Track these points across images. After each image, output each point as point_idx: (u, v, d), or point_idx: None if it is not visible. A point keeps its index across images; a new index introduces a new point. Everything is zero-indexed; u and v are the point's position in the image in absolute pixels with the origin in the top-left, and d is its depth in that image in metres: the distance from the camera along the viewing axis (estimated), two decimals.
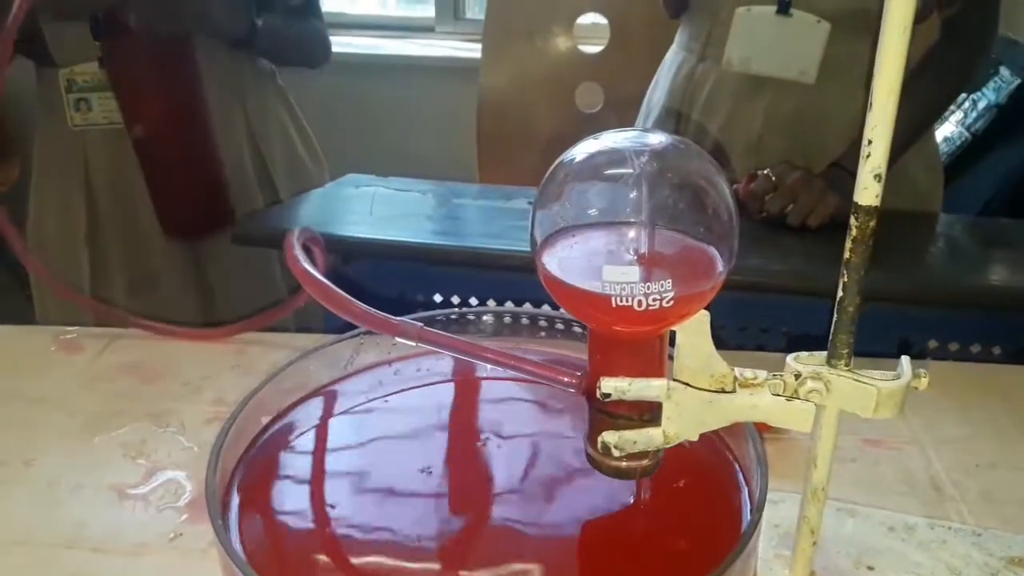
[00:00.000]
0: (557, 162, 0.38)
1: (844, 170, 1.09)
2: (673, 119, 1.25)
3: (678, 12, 1.28)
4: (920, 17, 1.13)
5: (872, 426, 0.68)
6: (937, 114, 1.20)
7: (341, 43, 2.30)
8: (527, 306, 0.54)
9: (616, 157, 0.36)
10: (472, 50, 1.89)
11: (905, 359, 0.43)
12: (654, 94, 1.31)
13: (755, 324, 0.96)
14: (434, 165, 1.63)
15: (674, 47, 1.30)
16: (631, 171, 0.36)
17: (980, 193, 1.30)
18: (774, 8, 1.09)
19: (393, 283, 0.96)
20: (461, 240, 0.98)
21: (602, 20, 1.67)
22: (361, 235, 0.96)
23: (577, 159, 0.37)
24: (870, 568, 0.51)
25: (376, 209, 1.08)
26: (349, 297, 0.41)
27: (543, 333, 0.56)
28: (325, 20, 2.38)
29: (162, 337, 0.80)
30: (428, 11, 2.36)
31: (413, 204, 1.12)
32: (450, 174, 1.27)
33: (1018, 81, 1.51)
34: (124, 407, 0.70)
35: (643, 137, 0.37)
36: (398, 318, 0.42)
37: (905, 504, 0.59)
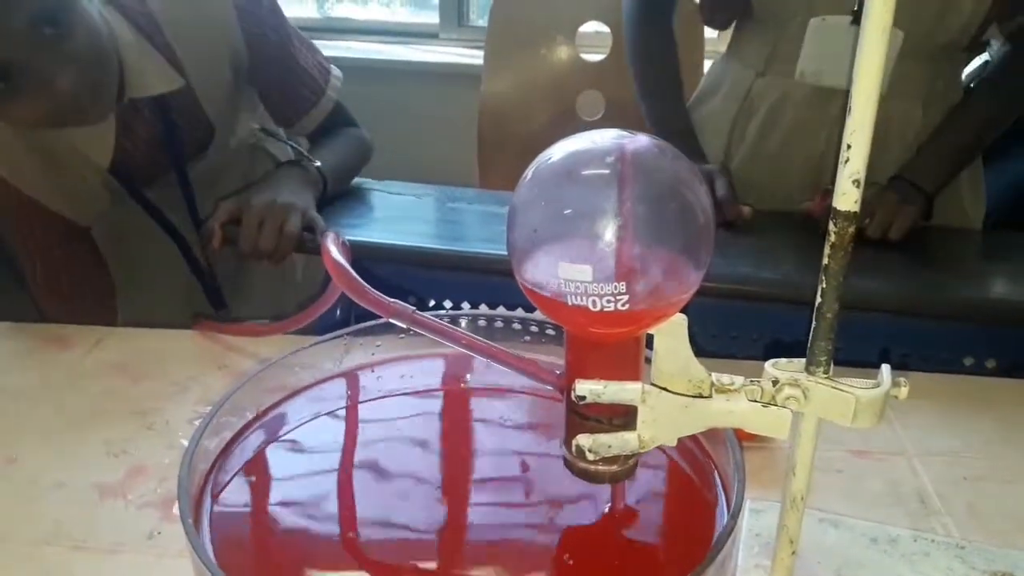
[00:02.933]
0: (533, 163, 0.37)
1: (907, 182, 1.09)
2: (725, 136, 1.23)
3: (726, 23, 1.27)
4: (975, 40, 1.12)
5: (859, 437, 0.67)
6: (1000, 128, 1.18)
7: (345, 48, 2.31)
8: (500, 309, 0.53)
9: (590, 158, 0.36)
10: (476, 57, 1.89)
11: (886, 367, 0.42)
12: (701, 109, 1.28)
13: (769, 334, 0.95)
14: (435, 171, 1.63)
15: (726, 59, 1.27)
16: (604, 172, 0.35)
17: (986, 205, 1.30)
18: (848, 19, 1.08)
19: (386, 287, 0.95)
20: (456, 244, 0.98)
21: (605, 29, 1.67)
22: (354, 238, 0.95)
23: (552, 159, 0.37)
24: None
25: (370, 212, 1.08)
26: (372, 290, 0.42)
27: (528, 337, 0.56)
28: (330, 27, 2.39)
29: (152, 336, 0.80)
30: (432, 18, 2.36)
31: (408, 208, 1.11)
32: (451, 180, 1.27)
33: None
34: (110, 405, 0.70)
35: (620, 138, 0.36)
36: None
37: (890, 516, 0.59)
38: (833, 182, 0.37)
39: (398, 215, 1.08)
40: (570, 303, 0.36)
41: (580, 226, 0.35)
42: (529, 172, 0.37)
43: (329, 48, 2.26)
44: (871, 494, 0.62)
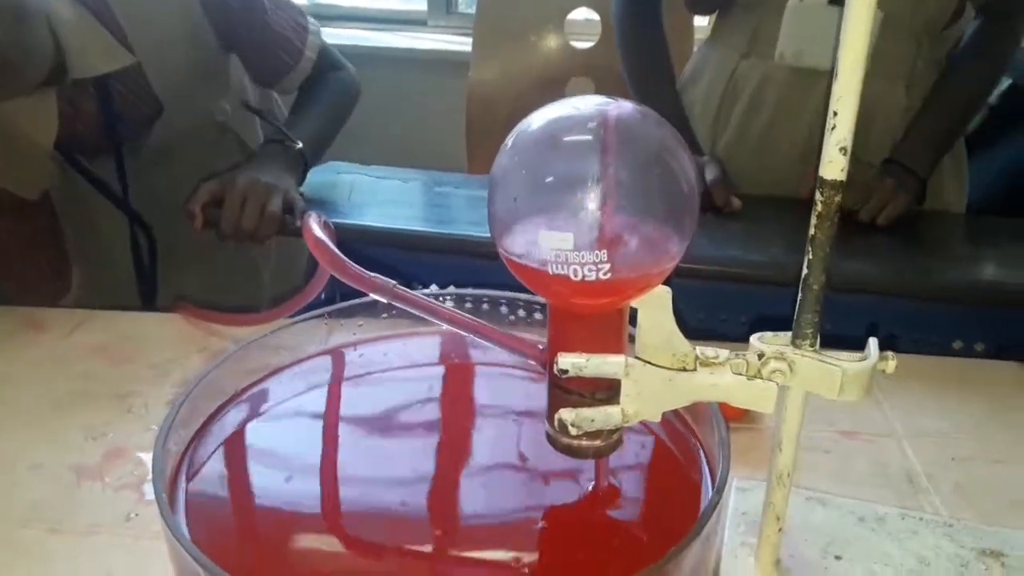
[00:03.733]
0: (514, 130, 0.37)
1: (901, 166, 1.09)
2: (711, 118, 1.22)
3: (710, 9, 1.26)
4: (953, 16, 1.12)
5: (848, 418, 0.67)
6: (982, 101, 1.20)
7: (333, 35, 2.29)
8: (468, 289, 0.53)
9: (572, 124, 0.35)
10: (464, 44, 1.88)
11: (873, 341, 0.42)
12: (686, 95, 1.27)
13: (756, 317, 0.95)
14: (424, 158, 1.61)
15: (710, 43, 1.27)
16: (586, 138, 0.35)
17: (970, 194, 1.29)
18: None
19: (371, 270, 0.95)
20: (443, 227, 0.97)
21: (594, 16, 1.66)
22: (340, 220, 0.94)
23: (533, 126, 0.36)
24: (837, 557, 0.50)
25: (355, 196, 1.07)
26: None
27: (512, 318, 0.55)
28: (318, 12, 2.37)
29: (132, 319, 0.79)
30: (421, 4, 2.35)
31: (395, 192, 1.10)
32: (439, 167, 1.26)
33: (1009, 82, 1.50)
34: (89, 388, 0.69)
35: (603, 104, 0.36)
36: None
37: (878, 496, 0.58)
38: (818, 164, 0.37)
39: (385, 199, 1.07)
40: (551, 272, 0.35)
41: (561, 193, 0.34)
42: (510, 140, 0.36)
43: None
44: (859, 474, 0.61)
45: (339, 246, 0.44)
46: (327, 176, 1.12)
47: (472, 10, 1.81)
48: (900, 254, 1.00)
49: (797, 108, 1.15)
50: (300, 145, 1.02)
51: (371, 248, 0.94)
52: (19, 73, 0.85)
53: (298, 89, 1.12)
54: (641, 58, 1.23)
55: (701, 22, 1.64)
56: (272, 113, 1.17)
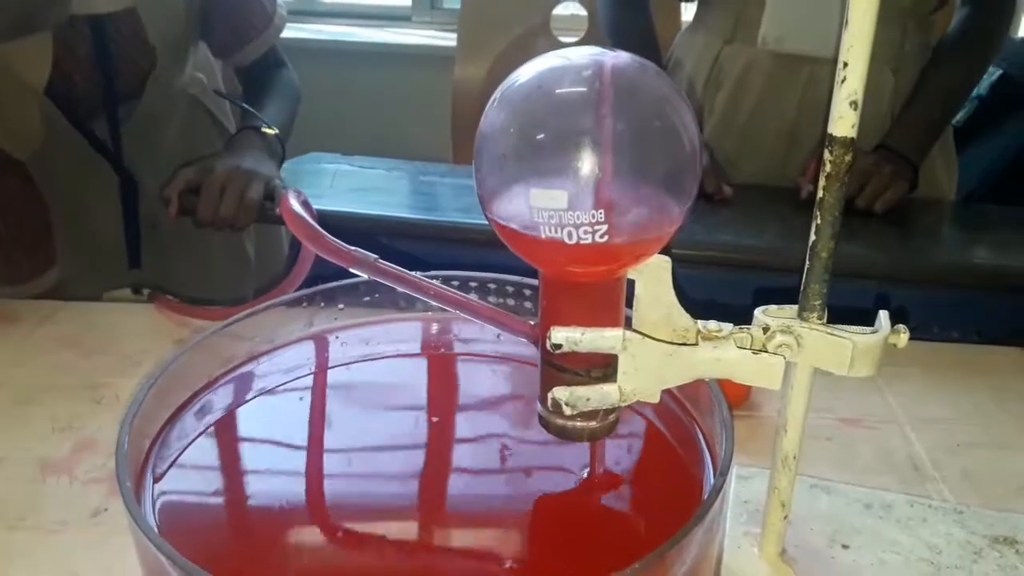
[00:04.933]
0: (502, 84, 0.34)
1: (895, 153, 1.07)
2: (696, 103, 1.20)
3: None
4: (940, 1, 1.11)
5: (850, 405, 0.65)
6: (971, 87, 1.19)
7: (317, 31, 2.27)
8: (456, 271, 0.50)
9: (565, 75, 0.33)
10: (449, 39, 1.86)
11: (883, 313, 0.40)
12: (672, 76, 1.25)
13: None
14: (409, 154, 1.59)
15: (692, 28, 1.25)
16: (581, 89, 0.32)
17: (963, 183, 1.28)
18: None
19: None
20: (426, 214, 0.95)
21: (580, 11, 1.64)
22: (324, 207, 0.91)
23: (522, 79, 0.33)
24: (845, 546, 0.47)
25: (341, 184, 1.04)
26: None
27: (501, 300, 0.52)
28: (302, 9, 2.35)
29: (105, 310, 0.76)
30: (405, 0, 2.32)
31: (379, 180, 1.08)
32: (425, 162, 1.23)
33: (1000, 72, 1.50)
34: (58, 380, 0.66)
35: (598, 54, 0.33)
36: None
37: (883, 484, 0.56)
38: (805, 151, 0.34)
39: (369, 187, 1.04)
40: (544, 235, 0.32)
41: (554, 150, 0.32)
42: (497, 93, 0.34)
43: (301, 31, 2.23)
44: (863, 462, 0.59)
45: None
46: (309, 165, 1.09)
47: (457, 5, 1.79)
48: (893, 239, 0.99)
49: (782, 94, 1.13)
50: (276, 131, 0.99)
51: (354, 236, 0.91)
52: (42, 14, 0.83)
53: (246, 78, 1.10)
54: (629, 43, 1.21)
55: (690, 9, 1.63)
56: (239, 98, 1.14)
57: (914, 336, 0.80)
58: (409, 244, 0.92)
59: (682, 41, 1.28)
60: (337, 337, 0.52)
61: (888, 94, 1.12)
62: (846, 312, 0.42)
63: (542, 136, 0.32)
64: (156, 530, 0.37)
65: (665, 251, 0.36)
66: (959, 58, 1.13)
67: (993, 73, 1.50)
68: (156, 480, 0.40)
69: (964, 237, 1.08)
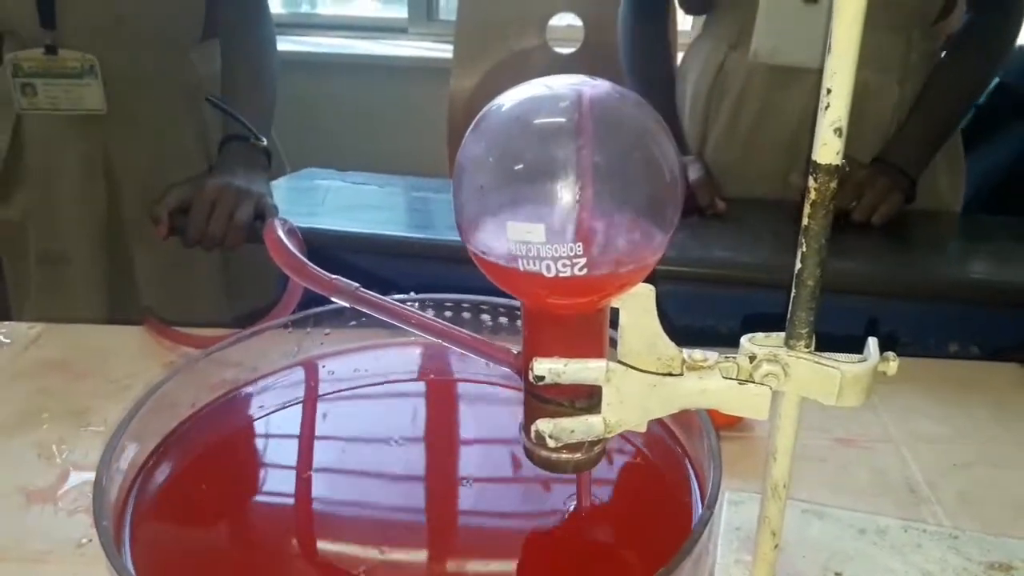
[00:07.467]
0: (481, 112, 0.33)
1: (892, 166, 1.07)
2: (701, 112, 1.20)
3: (702, 8, 1.24)
4: (946, 10, 1.11)
5: (843, 425, 0.64)
6: (975, 98, 1.18)
7: (314, 43, 2.27)
8: (447, 294, 0.50)
9: (543, 105, 0.32)
10: (445, 51, 1.85)
11: (872, 341, 0.39)
12: (679, 84, 1.25)
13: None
14: (405, 166, 1.59)
15: (701, 37, 1.25)
16: (559, 120, 0.32)
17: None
18: None
19: (347, 276, 0.92)
20: (419, 232, 0.94)
21: (577, 21, 1.63)
22: (315, 226, 0.91)
23: (502, 108, 0.33)
24: (838, 574, 0.46)
25: (334, 201, 1.03)
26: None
27: (491, 323, 0.52)
28: (299, 22, 2.34)
29: (94, 332, 0.75)
30: (401, 12, 2.32)
31: (372, 197, 1.07)
32: (421, 175, 1.23)
33: (997, 81, 1.49)
34: (45, 404, 0.66)
35: (578, 84, 0.33)
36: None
37: (878, 506, 0.55)
38: (807, 160, 0.34)
39: (362, 204, 1.04)
40: (522, 268, 0.32)
41: (531, 180, 0.31)
42: (475, 123, 0.33)
43: (298, 43, 2.23)
44: (857, 483, 0.58)
45: (315, 251, 0.42)
46: (302, 182, 1.09)
47: (453, 17, 1.79)
48: (890, 253, 0.98)
49: (783, 105, 1.13)
50: (265, 142, 0.98)
51: (347, 254, 0.91)
52: None
53: (227, 21, 1.08)
54: (646, 53, 1.21)
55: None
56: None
57: (910, 352, 0.80)
58: (402, 263, 0.92)
59: (688, 52, 1.28)
60: (324, 365, 0.51)
61: (893, 103, 1.11)
62: (840, 331, 0.41)
63: (519, 167, 0.32)
64: (132, 571, 0.36)
65: (649, 279, 0.35)
66: (962, 67, 1.12)
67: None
68: (136, 518, 0.39)
69: (960, 249, 1.08)
